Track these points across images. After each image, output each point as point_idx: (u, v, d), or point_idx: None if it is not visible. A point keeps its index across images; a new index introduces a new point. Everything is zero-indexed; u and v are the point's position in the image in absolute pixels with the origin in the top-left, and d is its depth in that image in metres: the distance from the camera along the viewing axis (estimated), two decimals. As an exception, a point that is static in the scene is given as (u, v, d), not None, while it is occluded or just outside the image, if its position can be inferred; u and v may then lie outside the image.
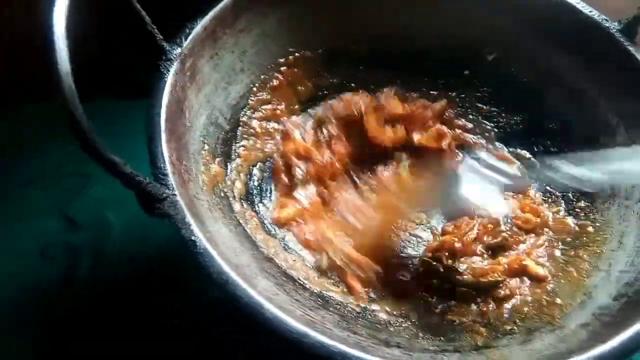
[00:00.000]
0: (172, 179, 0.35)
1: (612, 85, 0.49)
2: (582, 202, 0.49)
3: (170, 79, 0.41)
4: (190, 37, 0.44)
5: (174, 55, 0.42)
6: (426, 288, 0.46)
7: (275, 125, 0.54)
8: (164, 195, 0.34)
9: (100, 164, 0.30)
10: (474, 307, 0.45)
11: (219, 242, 0.36)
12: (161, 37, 0.41)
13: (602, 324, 0.37)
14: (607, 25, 0.48)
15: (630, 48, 0.47)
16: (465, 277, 0.46)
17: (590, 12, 0.49)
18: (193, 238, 0.33)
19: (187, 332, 0.49)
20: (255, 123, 0.52)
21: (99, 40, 0.58)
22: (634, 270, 0.40)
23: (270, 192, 0.51)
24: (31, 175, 0.59)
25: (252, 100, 0.52)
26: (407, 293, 0.46)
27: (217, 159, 0.46)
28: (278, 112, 0.54)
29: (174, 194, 0.35)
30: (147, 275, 0.53)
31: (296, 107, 0.55)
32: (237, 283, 0.32)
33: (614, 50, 0.48)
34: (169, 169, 0.36)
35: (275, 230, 0.48)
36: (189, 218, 0.34)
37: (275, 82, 0.54)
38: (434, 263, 0.47)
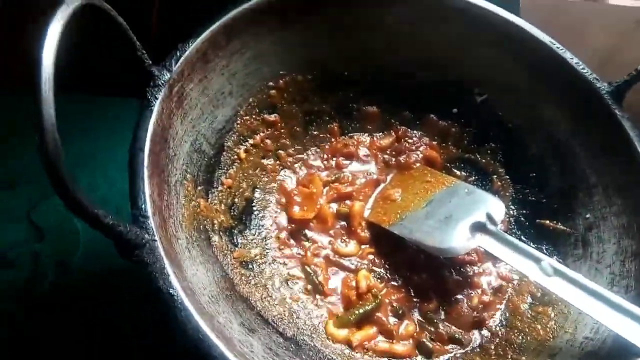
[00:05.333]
0: (152, 222, 0.34)
1: (595, 145, 0.49)
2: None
3: (157, 107, 0.39)
4: (180, 61, 0.42)
5: (162, 82, 0.40)
6: None
7: (265, 161, 0.53)
8: (143, 241, 0.33)
9: (84, 219, 0.29)
10: None
11: (196, 289, 0.36)
12: (150, 62, 0.39)
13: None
14: (598, 85, 0.49)
15: (618, 112, 0.47)
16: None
17: (582, 69, 0.50)
18: (171, 291, 0.32)
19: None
20: (241, 149, 0.51)
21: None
22: (598, 339, 0.41)
23: (250, 222, 0.50)
24: None
25: (238, 124, 0.51)
26: None
27: (199, 188, 0.45)
28: (268, 144, 0.54)
29: (154, 239, 0.34)
30: (115, 290, 0.51)
31: (288, 143, 0.55)
32: (214, 343, 0.31)
33: (601, 112, 0.48)
34: (149, 210, 0.35)
35: (252, 265, 0.47)
36: (168, 267, 0.33)
37: (272, 117, 0.54)
38: None
